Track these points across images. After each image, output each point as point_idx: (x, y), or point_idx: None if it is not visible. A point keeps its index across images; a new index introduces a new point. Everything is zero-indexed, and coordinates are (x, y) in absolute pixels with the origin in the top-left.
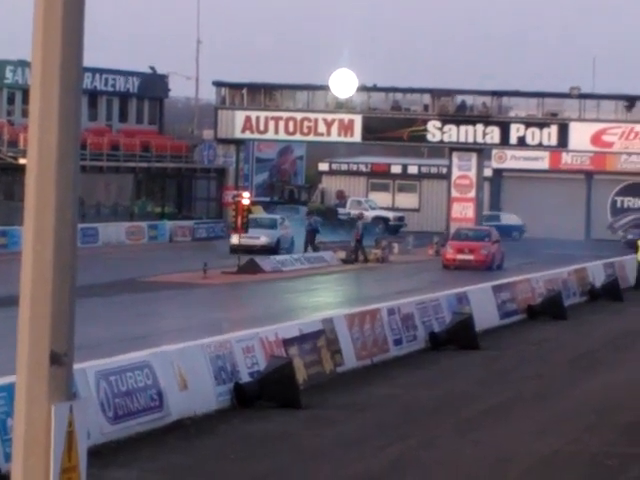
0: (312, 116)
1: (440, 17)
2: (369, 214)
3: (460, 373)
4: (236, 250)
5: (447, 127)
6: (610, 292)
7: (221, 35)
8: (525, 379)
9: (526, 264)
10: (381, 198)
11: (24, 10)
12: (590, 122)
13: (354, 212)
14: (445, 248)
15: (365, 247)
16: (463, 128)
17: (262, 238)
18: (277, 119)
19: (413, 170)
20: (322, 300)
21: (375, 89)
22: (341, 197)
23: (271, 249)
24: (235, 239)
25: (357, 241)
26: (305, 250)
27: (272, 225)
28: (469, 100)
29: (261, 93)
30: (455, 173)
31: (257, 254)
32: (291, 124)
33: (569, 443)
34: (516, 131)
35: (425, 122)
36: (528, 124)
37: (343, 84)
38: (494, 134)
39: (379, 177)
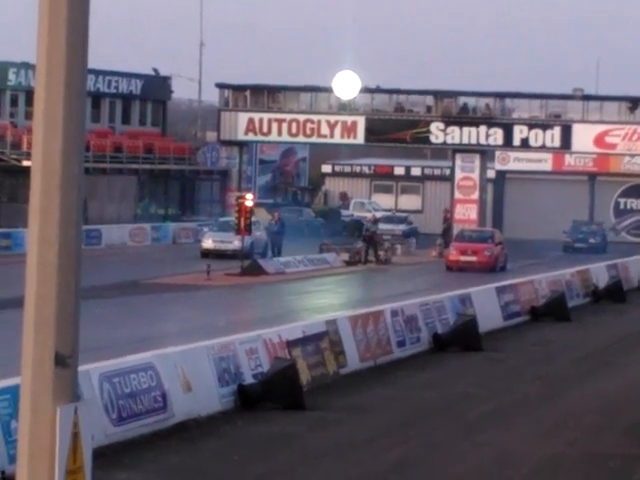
0: (315, 118)
1: (443, 19)
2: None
3: (464, 375)
4: (207, 254)
5: (450, 129)
6: (613, 293)
7: (224, 37)
8: (529, 381)
9: (529, 265)
10: (384, 200)
11: (28, 12)
12: (593, 124)
13: (362, 214)
14: (448, 250)
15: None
16: (466, 130)
17: (235, 242)
18: (280, 121)
19: (416, 172)
20: (325, 302)
21: (378, 91)
22: (344, 199)
23: (241, 254)
24: (207, 243)
25: (368, 242)
26: (273, 254)
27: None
28: (472, 102)
29: (264, 95)
30: (458, 175)
31: (229, 259)
32: (294, 126)
33: (573, 445)
34: (519, 133)
35: (428, 124)
36: (531, 126)
37: (346, 86)
38: (497, 136)
39: (382, 179)
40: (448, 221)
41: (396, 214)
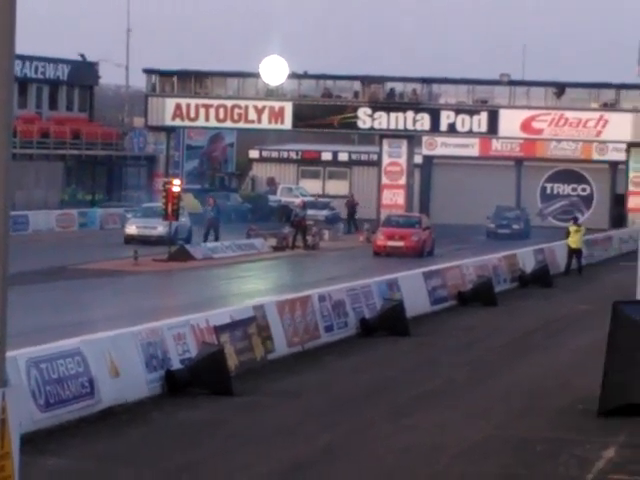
0: (243, 103)
1: (370, 4)
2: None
3: (391, 359)
4: (131, 240)
5: (377, 114)
6: (540, 278)
7: (151, 22)
8: (456, 365)
9: (456, 250)
10: (312, 185)
11: None
12: (520, 109)
13: (289, 200)
14: (376, 235)
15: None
16: (393, 115)
17: (159, 228)
18: (207, 106)
19: (343, 157)
20: (253, 287)
21: (305, 76)
22: (272, 184)
23: (168, 240)
24: (131, 229)
25: (297, 227)
26: (205, 240)
27: None
28: (399, 87)
29: (191, 80)
30: (385, 160)
31: (153, 245)
32: (221, 111)
33: (500, 428)
34: (446, 118)
35: (355, 109)
36: (458, 111)
37: (274, 71)
38: (424, 121)
39: (309, 164)
40: (352, 206)
41: (319, 200)
